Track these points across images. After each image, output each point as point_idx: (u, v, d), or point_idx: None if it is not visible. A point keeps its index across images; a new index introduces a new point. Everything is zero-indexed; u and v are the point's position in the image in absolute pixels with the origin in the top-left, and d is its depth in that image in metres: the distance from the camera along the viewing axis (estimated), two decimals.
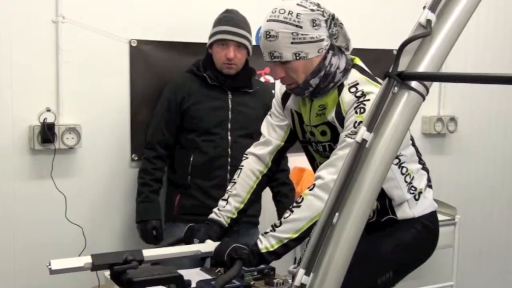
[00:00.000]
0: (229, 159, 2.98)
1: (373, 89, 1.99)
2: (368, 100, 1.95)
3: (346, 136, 1.95)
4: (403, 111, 1.11)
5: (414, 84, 1.12)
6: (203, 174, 2.98)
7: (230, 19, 2.94)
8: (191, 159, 2.97)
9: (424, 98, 1.13)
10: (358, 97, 1.98)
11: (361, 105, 1.96)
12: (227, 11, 3.00)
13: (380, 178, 1.11)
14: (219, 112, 2.99)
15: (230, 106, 3.00)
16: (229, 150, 2.98)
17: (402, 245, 2.10)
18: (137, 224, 3.01)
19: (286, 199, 3.12)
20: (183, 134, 3.02)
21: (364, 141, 1.10)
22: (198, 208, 2.93)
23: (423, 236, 2.15)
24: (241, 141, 2.97)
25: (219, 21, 2.95)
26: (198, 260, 2.65)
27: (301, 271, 1.11)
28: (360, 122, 1.92)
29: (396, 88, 1.11)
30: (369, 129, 1.10)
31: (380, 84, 2.03)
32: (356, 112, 1.95)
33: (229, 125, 2.99)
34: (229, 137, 2.99)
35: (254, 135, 3.02)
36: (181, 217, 2.99)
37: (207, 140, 2.97)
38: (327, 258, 1.10)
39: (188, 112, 2.98)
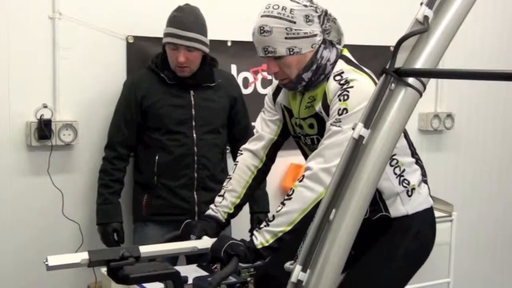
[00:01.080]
0: (195, 157, 2.91)
1: (357, 76, 2.00)
2: (352, 87, 1.96)
3: (331, 124, 1.96)
4: (400, 107, 1.11)
5: (411, 80, 1.12)
6: (169, 174, 2.91)
7: (180, 20, 2.82)
8: (157, 158, 2.90)
9: (421, 95, 1.13)
10: (342, 85, 1.99)
11: (345, 92, 1.96)
12: (178, 9, 2.87)
13: (377, 174, 1.11)
14: (182, 110, 2.91)
15: (193, 103, 2.92)
16: (195, 148, 2.91)
17: (397, 265, 2.09)
18: (98, 227, 2.93)
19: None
20: (146, 133, 2.94)
21: (361, 137, 1.10)
22: (167, 208, 2.91)
23: (418, 251, 2.13)
24: (206, 138, 2.94)
25: (169, 22, 2.85)
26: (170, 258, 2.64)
27: (298, 268, 1.11)
28: (344, 109, 1.93)
29: (393, 85, 1.11)
30: (366, 125, 1.10)
31: (365, 73, 2.05)
32: (340, 100, 1.96)
33: (193, 122, 2.92)
34: (194, 135, 2.91)
35: (220, 129, 3.00)
36: (151, 217, 2.94)
37: (171, 139, 2.90)
38: (324, 254, 1.10)
39: (150, 110, 2.90)
